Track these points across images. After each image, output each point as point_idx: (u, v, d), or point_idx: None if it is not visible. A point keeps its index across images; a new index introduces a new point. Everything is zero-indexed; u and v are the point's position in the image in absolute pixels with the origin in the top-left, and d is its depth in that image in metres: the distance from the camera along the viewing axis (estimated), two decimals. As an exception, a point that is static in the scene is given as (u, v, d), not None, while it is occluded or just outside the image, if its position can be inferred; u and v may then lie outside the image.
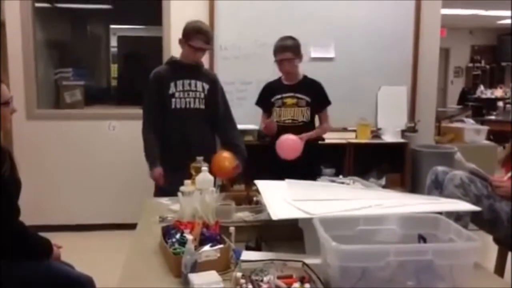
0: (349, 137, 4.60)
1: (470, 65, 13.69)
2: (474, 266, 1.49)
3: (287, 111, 3.30)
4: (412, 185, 4.65)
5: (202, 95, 3.13)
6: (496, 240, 2.77)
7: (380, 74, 4.69)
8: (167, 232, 1.85)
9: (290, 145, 3.08)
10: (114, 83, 6.98)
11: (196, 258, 1.55)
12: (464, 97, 12.53)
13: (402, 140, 4.65)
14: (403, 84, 4.76)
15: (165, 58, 4.43)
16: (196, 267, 1.54)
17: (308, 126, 3.33)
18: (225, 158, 2.75)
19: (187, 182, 2.25)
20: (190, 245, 1.57)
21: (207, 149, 2.91)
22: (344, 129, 4.65)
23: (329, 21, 4.59)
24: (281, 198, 1.96)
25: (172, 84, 3.08)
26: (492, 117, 9.44)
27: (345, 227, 1.63)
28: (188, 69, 3.12)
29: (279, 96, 3.32)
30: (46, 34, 4.93)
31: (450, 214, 1.96)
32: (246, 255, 1.70)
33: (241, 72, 4.43)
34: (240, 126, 3.39)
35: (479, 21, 11.33)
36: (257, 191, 2.23)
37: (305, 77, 3.40)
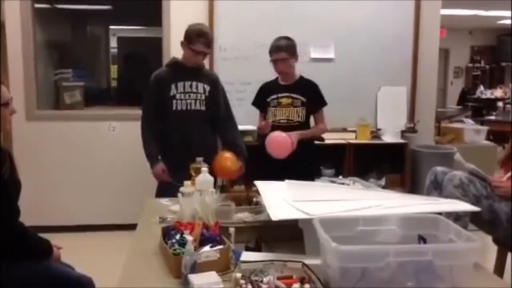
0: (349, 138, 4.60)
1: (470, 65, 13.69)
2: (474, 267, 1.49)
3: (282, 111, 3.31)
4: (412, 186, 4.65)
5: (203, 97, 3.14)
6: (496, 241, 2.77)
7: (379, 74, 4.70)
8: (167, 233, 1.85)
9: (279, 141, 3.06)
10: (114, 84, 6.98)
11: (196, 258, 1.55)
12: (463, 98, 12.53)
13: (401, 141, 4.65)
14: (403, 85, 4.76)
15: (165, 59, 4.45)
16: (196, 267, 1.54)
17: (303, 126, 3.33)
18: (227, 158, 2.76)
19: (187, 183, 2.25)
20: (190, 246, 1.57)
21: (208, 150, 2.91)
22: (344, 130, 4.65)
23: (328, 22, 4.59)
24: (280, 198, 1.97)
25: (173, 86, 3.10)
26: (492, 118, 9.44)
27: (345, 228, 1.63)
28: (189, 70, 3.13)
29: (274, 96, 3.33)
30: (46, 34, 4.93)
31: (449, 215, 1.96)
32: (246, 255, 1.70)
33: (241, 73, 4.43)
34: (239, 127, 3.39)
35: (479, 21, 11.33)
36: (257, 191, 2.23)
37: (301, 77, 3.40)
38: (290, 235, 1.85)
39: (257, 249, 1.83)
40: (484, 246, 1.78)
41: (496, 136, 6.58)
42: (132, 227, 2.26)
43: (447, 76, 13.39)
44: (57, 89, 4.92)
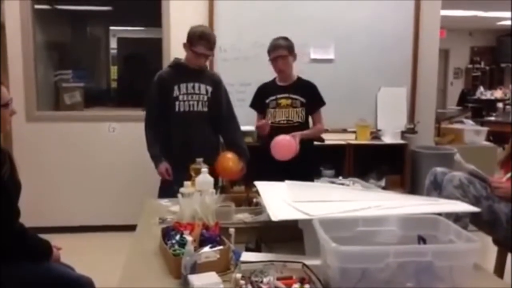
0: (348, 138, 4.60)
1: (470, 66, 13.70)
2: (474, 267, 1.50)
3: (281, 112, 3.30)
4: (412, 186, 4.64)
5: (206, 98, 3.15)
6: (496, 241, 2.77)
7: (379, 75, 4.70)
8: (167, 234, 1.85)
9: (285, 145, 3.06)
10: (114, 84, 6.98)
11: (195, 259, 1.55)
12: (463, 98, 12.53)
13: (401, 141, 4.65)
14: (403, 85, 4.76)
15: (165, 60, 4.46)
16: (196, 268, 1.54)
17: (303, 126, 3.32)
18: (229, 159, 2.78)
19: (187, 183, 2.26)
20: (190, 246, 1.57)
21: (210, 151, 2.93)
22: (344, 130, 4.65)
23: (328, 23, 4.60)
24: (280, 199, 1.97)
25: (175, 87, 3.11)
26: (492, 118, 9.44)
27: (345, 228, 1.63)
28: (191, 72, 3.14)
29: (273, 97, 3.32)
30: (46, 35, 4.93)
31: (449, 215, 1.96)
32: (246, 256, 1.70)
33: (241, 74, 4.43)
34: (240, 128, 3.39)
35: (479, 22, 11.33)
36: (257, 192, 2.23)
37: (299, 78, 3.40)
38: (290, 235, 1.85)
39: (257, 249, 1.83)
40: (484, 247, 1.77)
41: (496, 137, 6.58)
42: (132, 227, 2.26)
43: (447, 77, 13.39)
44: (57, 90, 4.93)
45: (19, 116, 3.97)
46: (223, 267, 1.65)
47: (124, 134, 4.51)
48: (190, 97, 3.12)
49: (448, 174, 2.65)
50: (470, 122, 6.15)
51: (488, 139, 5.86)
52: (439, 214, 1.76)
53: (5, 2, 4.35)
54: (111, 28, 7.09)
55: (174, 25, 4.49)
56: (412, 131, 4.75)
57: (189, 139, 3.10)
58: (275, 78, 3.41)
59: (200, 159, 2.41)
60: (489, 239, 2.76)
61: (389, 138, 4.62)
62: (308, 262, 1.54)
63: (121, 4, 5.96)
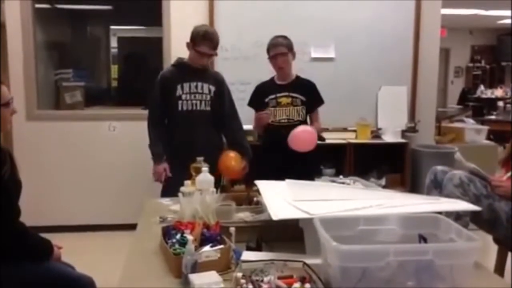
0: (349, 137, 4.60)
1: (470, 65, 13.69)
2: (474, 266, 1.49)
3: (282, 111, 3.29)
4: (412, 185, 4.64)
5: (208, 97, 3.15)
6: (496, 240, 2.77)
7: (380, 74, 4.69)
8: (167, 233, 1.85)
9: (306, 137, 3.07)
10: (114, 83, 6.97)
11: (196, 258, 1.55)
12: (464, 97, 12.54)
13: (402, 140, 4.65)
14: (403, 84, 4.76)
15: (166, 59, 4.46)
16: (197, 267, 1.54)
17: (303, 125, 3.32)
18: (232, 158, 2.79)
19: (187, 182, 2.26)
20: (191, 246, 1.57)
21: (213, 150, 2.93)
22: (344, 129, 4.65)
23: (329, 22, 4.59)
24: (281, 198, 1.97)
25: (178, 87, 3.12)
26: (493, 117, 9.45)
27: (346, 227, 1.63)
28: (194, 71, 3.14)
29: (273, 96, 3.31)
30: (46, 35, 4.93)
31: (449, 214, 1.96)
32: (247, 255, 1.71)
33: (241, 73, 4.42)
34: (240, 127, 3.39)
35: (479, 21, 11.32)
36: (258, 191, 2.23)
37: (298, 76, 3.40)
38: (290, 234, 1.85)
39: (257, 248, 1.83)
40: (485, 246, 1.78)
41: (496, 136, 6.58)
42: (132, 227, 2.26)
43: (448, 76, 13.39)
44: (57, 89, 4.93)
45: (19, 115, 3.97)
46: (223, 266, 1.65)
47: (125, 133, 4.51)
48: (193, 97, 3.13)
49: (448, 173, 2.65)
50: (471, 121, 6.15)
51: (488, 138, 5.86)
52: (440, 213, 1.76)
53: (5, 1, 4.35)
54: (112, 27, 7.09)
55: (174, 24, 4.49)
56: (412, 130, 4.75)
57: (192, 138, 3.10)
58: (273, 77, 3.40)
59: (200, 158, 2.41)
60: (489, 238, 2.76)
61: (390, 137, 4.62)
62: (309, 261, 1.54)
63: (122, 4, 5.96)
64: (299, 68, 3.48)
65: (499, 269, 2.75)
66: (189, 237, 1.63)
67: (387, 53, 4.68)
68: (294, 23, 4.41)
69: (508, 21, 10.16)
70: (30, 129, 4.45)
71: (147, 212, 2.46)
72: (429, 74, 4.85)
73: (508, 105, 10.67)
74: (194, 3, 4.47)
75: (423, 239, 1.62)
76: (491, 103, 11.79)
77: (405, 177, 4.66)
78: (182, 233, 1.75)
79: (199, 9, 4.45)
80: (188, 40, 3.12)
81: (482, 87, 12.82)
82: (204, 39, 3.06)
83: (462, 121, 6.07)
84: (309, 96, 3.33)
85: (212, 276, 1.52)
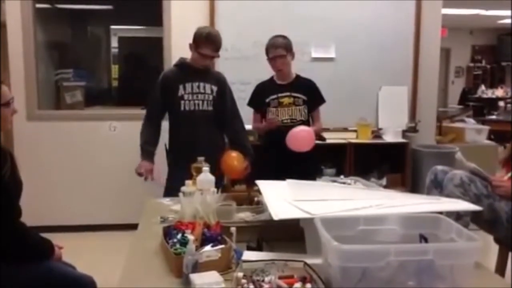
0: (350, 137, 4.60)
1: (471, 65, 13.68)
2: (475, 266, 1.49)
3: (284, 111, 3.28)
4: (413, 185, 4.65)
5: (211, 97, 3.15)
6: (497, 240, 2.77)
7: (380, 74, 4.70)
8: (168, 233, 1.85)
9: (304, 136, 3.07)
10: (114, 83, 6.97)
11: (197, 258, 1.55)
12: (465, 97, 12.53)
13: (403, 140, 4.66)
14: (404, 84, 4.76)
15: (166, 59, 4.46)
16: (197, 267, 1.54)
17: (306, 124, 3.28)
18: (234, 157, 2.80)
19: (188, 182, 2.26)
20: (191, 245, 1.57)
21: (215, 150, 2.93)
22: (345, 129, 4.65)
23: (329, 22, 4.60)
24: (282, 198, 1.97)
25: (181, 87, 3.12)
26: (493, 117, 9.44)
27: (346, 227, 1.63)
28: (196, 71, 3.14)
29: (274, 96, 3.30)
30: (47, 34, 4.93)
31: (450, 214, 1.96)
32: (247, 255, 1.70)
33: (242, 73, 4.42)
34: (241, 127, 3.39)
35: (480, 20, 11.32)
36: (258, 191, 2.23)
37: (298, 76, 3.38)
38: (291, 234, 1.85)
39: (258, 248, 1.84)
40: (485, 246, 1.78)
41: (497, 136, 6.58)
42: (133, 227, 2.26)
43: (448, 76, 13.38)
44: (57, 89, 4.94)
45: (20, 115, 3.97)
46: (224, 266, 1.65)
47: (125, 133, 4.51)
48: (195, 97, 3.13)
49: (449, 173, 2.65)
50: (471, 120, 6.16)
51: (489, 138, 5.86)
52: (440, 212, 1.76)
53: (6, 1, 4.35)
54: (112, 27, 7.09)
55: (175, 24, 4.49)
56: (413, 130, 4.75)
57: (194, 138, 3.10)
58: (273, 77, 3.38)
59: (201, 158, 2.41)
60: (490, 238, 2.76)
61: (390, 137, 4.62)
62: (310, 261, 1.54)
63: (122, 3, 5.97)
64: (299, 68, 3.48)
65: (500, 269, 2.75)
66: (190, 237, 1.63)
67: (388, 53, 4.68)
68: (295, 23, 4.41)
69: (508, 21, 10.15)
70: (31, 129, 4.46)
71: (148, 212, 2.46)
72: (430, 74, 4.85)
73: (509, 105, 10.68)
74: (194, 3, 4.47)
75: (423, 239, 1.62)
76: (492, 103, 11.78)
77: (405, 177, 4.66)
78: (183, 233, 1.75)
79: (200, 9, 4.45)
80: (189, 40, 3.12)
81: (482, 87, 12.82)
82: (207, 42, 3.06)
83: (462, 121, 6.07)
84: (310, 95, 3.32)
85: (213, 276, 1.52)
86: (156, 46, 4.64)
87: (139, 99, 4.61)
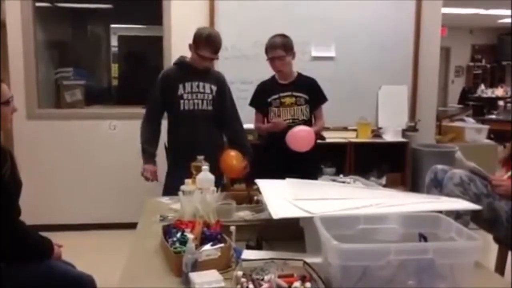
0: (349, 136, 4.60)
1: (471, 64, 13.69)
2: (475, 265, 1.49)
3: (286, 111, 3.26)
4: (413, 184, 4.65)
5: (210, 97, 3.15)
6: (496, 239, 2.77)
7: (380, 73, 4.70)
8: (168, 231, 1.85)
9: (304, 136, 3.06)
10: (114, 82, 6.98)
11: (197, 257, 1.56)
12: (464, 96, 12.54)
13: (402, 139, 4.65)
14: (404, 83, 4.76)
15: (166, 58, 4.46)
16: (197, 266, 1.54)
17: (308, 124, 3.27)
18: (233, 156, 2.80)
19: (188, 181, 2.26)
20: (191, 244, 1.57)
21: (215, 149, 2.93)
22: (345, 128, 4.65)
23: (329, 21, 4.59)
24: (281, 197, 1.97)
25: (180, 86, 3.11)
26: (493, 116, 9.45)
27: (346, 226, 1.63)
28: (196, 71, 3.14)
29: (276, 96, 3.27)
30: (47, 33, 4.93)
31: (450, 213, 1.96)
32: (247, 254, 1.71)
33: (242, 72, 4.42)
34: (241, 126, 3.39)
35: (480, 20, 11.32)
36: (258, 190, 2.23)
37: (299, 74, 3.34)
38: (291, 233, 1.85)
39: (258, 247, 1.84)
40: (485, 245, 1.77)
41: (497, 135, 6.59)
42: (133, 225, 2.26)
43: (448, 75, 13.39)
44: (57, 88, 4.93)
45: (20, 114, 3.96)
46: (224, 265, 1.65)
47: (125, 132, 4.51)
48: (195, 96, 3.12)
49: (448, 172, 2.64)
50: (471, 120, 6.16)
51: (489, 137, 5.87)
52: (440, 212, 1.76)
53: (6, 0, 4.34)
54: (112, 26, 7.09)
55: (174, 23, 4.49)
56: (413, 129, 4.75)
57: (193, 138, 3.10)
58: (274, 76, 3.35)
59: (201, 157, 2.41)
60: (490, 237, 2.76)
61: (390, 136, 4.62)
62: (309, 260, 1.54)
63: (122, 2, 5.97)
64: (299, 67, 3.46)
65: (500, 268, 2.75)
66: (190, 236, 1.63)
67: (388, 52, 4.68)
68: (295, 22, 4.41)
69: (508, 20, 10.15)
70: (31, 128, 4.45)
71: (148, 210, 2.46)
72: (430, 73, 4.85)
73: (509, 104, 10.68)
74: (194, 2, 4.47)
75: (423, 238, 1.62)
76: (492, 103, 11.79)
77: (405, 176, 4.66)
78: (183, 231, 1.75)
79: (200, 8, 4.45)
80: (189, 40, 3.10)
81: (482, 86, 12.82)
82: (206, 44, 3.04)
83: (462, 120, 6.07)
84: (312, 94, 3.29)
85: (212, 275, 1.52)
86: (156, 45, 4.64)
87: (139, 98, 4.60)
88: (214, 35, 3.10)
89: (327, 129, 4.21)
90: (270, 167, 3.07)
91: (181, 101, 3.11)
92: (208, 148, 2.81)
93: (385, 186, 4.25)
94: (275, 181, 2.26)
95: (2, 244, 1.91)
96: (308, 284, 1.45)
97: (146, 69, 5.52)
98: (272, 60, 3.23)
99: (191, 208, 1.93)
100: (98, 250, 3.91)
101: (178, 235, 1.76)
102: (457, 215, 2.38)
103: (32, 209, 2.57)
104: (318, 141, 3.59)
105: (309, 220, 1.64)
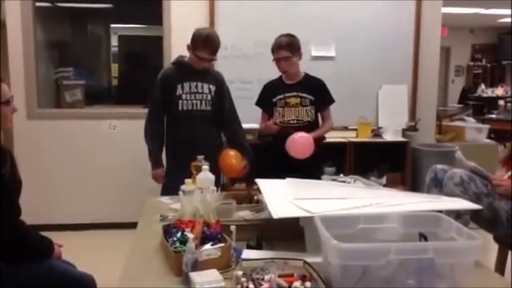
0: (350, 136, 4.60)
1: (471, 63, 13.68)
2: (475, 265, 1.49)
3: (290, 111, 3.23)
4: (413, 184, 4.65)
5: (209, 97, 3.14)
6: (496, 239, 2.77)
7: (380, 73, 4.70)
8: (168, 231, 1.85)
9: (303, 143, 3.02)
10: (114, 82, 6.97)
11: (197, 256, 1.56)
12: (465, 96, 12.53)
13: (402, 139, 4.65)
14: (404, 83, 4.76)
15: (166, 57, 4.45)
16: (197, 265, 1.54)
17: (312, 125, 3.25)
18: (232, 156, 2.80)
19: (188, 181, 2.26)
20: (191, 244, 1.57)
21: (213, 149, 2.93)
22: (345, 128, 4.65)
23: (330, 20, 4.59)
24: (282, 196, 1.97)
25: (179, 86, 3.11)
26: (493, 116, 9.44)
27: (346, 226, 1.63)
28: (195, 71, 3.13)
29: (281, 96, 3.24)
30: (47, 33, 4.93)
31: (450, 213, 1.96)
32: (247, 253, 1.71)
33: (242, 72, 4.42)
34: (241, 126, 3.39)
35: (480, 19, 11.32)
36: (258, 190, 2.23)
37: (306, 75, 3.32)
38: (291, 233, 1.85)
39: (258, 247, 1.84)
40: (485, 244, 1.77)
41: (497, 135, 6.59)
42: (133, 225, 2.26)
43: (448, 75, 13.38)
44: (57, 88, 4.93)
45: (20, 114, 3.96)
46: (224, 264, 1.65)
47: (125, 131, 4.51)
48: (193, 96, 3.12)
49: (448, 172, 2.64)
50: (471, 119, 6.15)
51: (489, 137, 5.86)
52: (440, 211, 1.76)
53: (6, 0, 4.34)
54: (112, 25, 7.08)
55: (174, 23, 4.49)
56: (413, 128, 4.75)
57: (192, 138, 3.10)
58: (281, 76, 3.31)
59: (201, 157, 2.41)
60: (490, 236, 2.76)
61: (390, 135, 4.62)
62: (309, 259, 1.54)
63: (122, 2, 5.97)
64: (301, 66, 3.46)
65: (500, 267, 2.75)
66: (190, 236, 1.63)
67: (388, 52, 4.68)
68: (295, 22, 4.39)
69: (508, 19, 10.16)
70: (31, 128, 4.45)
71: (148, 210, 2.46)
72: (430, 73, 4.85)
73: (509, 104, 10.68)
74: (194, 2, 4.47)
75: (423, 237, 1.62)
76: (492, 102, 11.78)
77: (405, 176, 4.66)
78: (183, 231, 1.75)
79: (200, 8, 4.45)
80: (189, 39, 3.10)
81: (482, 86, 12.81)
82: (204, 45, 3.03)
83: (462, 120, 6.06)
84: (318, 95, 3.26)
85: (212, 275, 1.52)
86: (156, 45, 4.64)
87: (139, 98, 4.61)
88: (212, 37, 3.09)
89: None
90: (270, 168, 3.07)
91: (180, 102, 3.10)
92: (207, 148, 2.81)
93: (385, 185, 4.25)
94: (275, 180, 2.26)
95: (2, 244, 1.91)
96: (308, 284, 1.45)
97: (146, 69, 5.52)
98: (277, 61, 3.20)
99: (191, 207, 1.93)
100: (98, 250, 3.91)
101: (178, 234, 1.76)
102: (457, 214, 2.37)
103: (32, 209, 2.57)
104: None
105: (309, 219, 1.65)
